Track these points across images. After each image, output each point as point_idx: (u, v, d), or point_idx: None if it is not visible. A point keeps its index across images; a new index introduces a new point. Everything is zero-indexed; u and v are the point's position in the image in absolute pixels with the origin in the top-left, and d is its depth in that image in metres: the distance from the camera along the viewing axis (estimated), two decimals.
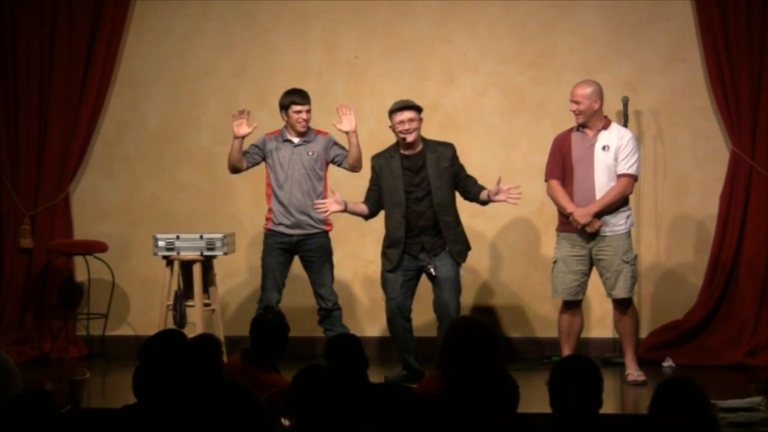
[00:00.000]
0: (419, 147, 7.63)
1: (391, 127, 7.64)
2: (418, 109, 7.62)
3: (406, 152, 7.62)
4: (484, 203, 7.74)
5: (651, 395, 4.09)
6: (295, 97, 7.86)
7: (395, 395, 4.58)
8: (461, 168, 7.72)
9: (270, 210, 7.91)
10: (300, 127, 7.85)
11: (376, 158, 7.74)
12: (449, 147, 7.69)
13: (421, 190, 7.59)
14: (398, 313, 7.64)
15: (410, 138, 7.56)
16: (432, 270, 7.58)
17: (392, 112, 7.60)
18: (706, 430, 3.98)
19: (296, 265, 8.05)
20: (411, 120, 7.55)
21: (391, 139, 7.79)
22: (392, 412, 4.15)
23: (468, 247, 7.77)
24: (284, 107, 7.87)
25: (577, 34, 8.75)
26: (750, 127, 8.45)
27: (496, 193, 7.57)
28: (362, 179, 8.01)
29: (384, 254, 7.70)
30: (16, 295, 8.99)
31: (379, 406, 4.19)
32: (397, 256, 7.60)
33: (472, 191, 7.70)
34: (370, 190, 7.76)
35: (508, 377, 5.00)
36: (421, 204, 7.59)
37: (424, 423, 4.20)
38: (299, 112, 7.83)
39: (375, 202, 7.71)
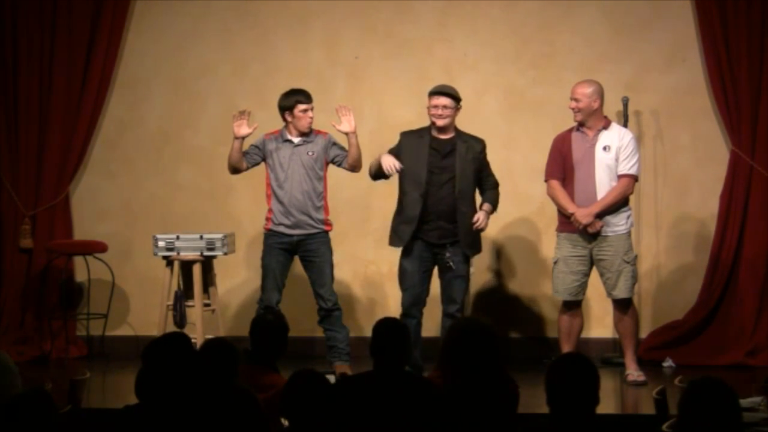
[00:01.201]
0: (451, 134, 7.63)
1: (427, 107, 7.64)
2: (455, 98, 7.63)
3: (438, 135, 7.61)
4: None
5: (681, 395, 4.06)
6: (300, 96, 7.84)
7: (424, 387, 4.60)
8: (486, 165, 7.72)
9: (270, 210, 7.90)
10: (307, 127, 7.83)
11: (406, 134, 7.72)
12: (480, 141, 7.70)
13: (445, 175, 7.56)
14: (415, 304, 7.59)
15: (440, 122, 7.57)
16: (451, 263, 7.53)
17: (430, 95, 7.64)
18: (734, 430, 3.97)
19: (296, 265, 8.05)
20: (445, 107, 7.56)
21: (390, 138, 7.79)
22: (418, 403, 4.15)
23: (480, 243, 7.75)
24: (288, 108, 7.84)
25: (577, 34, 8.75)
26: (750, 127, 8.46)
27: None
28: (363, 180, 8.01)
29: (394, 230, 7.64)
30: (16, 295, 8.99)
31: (409, 396, 4.19)
32: (409, 235, 7.54)
33: (483, 193, 7.72)
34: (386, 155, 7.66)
35: (508, 377, 4.99)
36: (442, 189, 7.55)
37: (442, 418, 4.21)
38: (306, 111, 7.82)
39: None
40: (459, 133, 7.66)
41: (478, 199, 7.73)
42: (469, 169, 7.60)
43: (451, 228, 7.56)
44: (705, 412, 3.94)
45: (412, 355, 5.38)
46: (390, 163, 7.49)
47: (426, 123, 7.69)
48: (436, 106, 7.58)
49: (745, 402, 6.29)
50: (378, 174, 7.66)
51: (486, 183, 7.72)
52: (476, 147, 7.66)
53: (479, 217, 7.58)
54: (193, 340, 7.93)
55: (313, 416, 4.21)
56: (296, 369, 4.50)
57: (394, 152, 7.62)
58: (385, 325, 5.36)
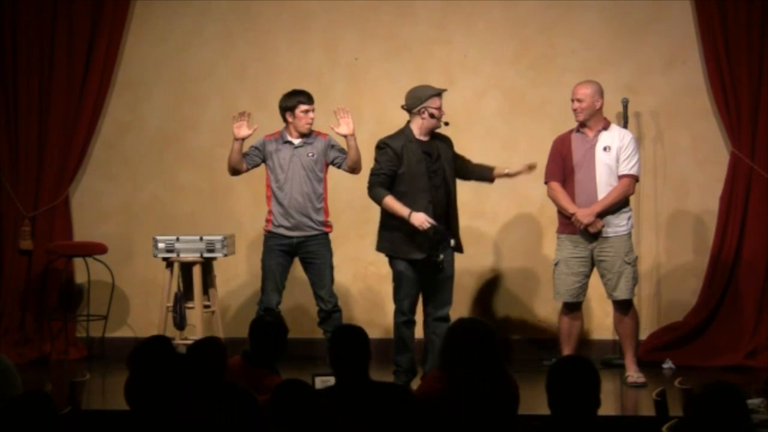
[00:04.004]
0: (429, 136, 7.50)
1: (419, 110, 7.38)
2: None
3: (424, 138, 7.46)
4: (492, 181, 7.67)
5: (694, 398, 4.09)
6: (302, 97, 7.84)
7: (394, 394, 4.58)
8: (459, 155, 7.63)
9: (270, 212, 7.90)
10: (308, 128, 7.83)
11: (393, 140, 7.44)
12: (448, 138, 7.59)
13: (438, 178, 7.43)
14: (413, 309, 7.46)
15: (443, 121, 7.46)
16: (444, 265, 7.39)
17: (433, 96, 7.40)
18: None
19: (296, 267, 8.05)
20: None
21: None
22: (390, 411, 4.14)
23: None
24: (290, 108, 7.83)
25: (576, 35, 8.75)
26: (750, 129, 8.46)
27: (517, 173, 7.56)
28: (363, 181, 8.01)
29: (405, 242, 7.35)
30: (16, 296, 8.98)
31: (377, 404, 4.18)
32: (428, 243, 7.32)
33: (477, 170, 7.63)
34: (384, 175, 7.39)
35: (508, 378, 4.99)
36: (438, 192, 7.41)
37: (420, 423, 4.19)
38: (307, 111, 7.82)
39: (390, 188, 7.43)
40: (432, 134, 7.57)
41: (463, 205, 7.65)
42: (452, 170, 7.54)
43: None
44: (715, 416, 3.95)
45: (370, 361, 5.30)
46: (423, 221, 7.25)
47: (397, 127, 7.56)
48: (440, 107, 7.42)
49: None
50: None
51: (468, 161, 7.63)
52: (450, 144, 7.57)
53: (514, 169, 7.55)
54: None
55: (299, 427, 4.18)
56: (297, 371, 4.49)
57: (392, 161, 7.39)
58: (343, 331, 5.33)
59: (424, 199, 7.37)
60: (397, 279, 7.47)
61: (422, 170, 7.40)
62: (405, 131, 7.49)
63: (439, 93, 7.45)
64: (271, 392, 5.14)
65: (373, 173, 7.47)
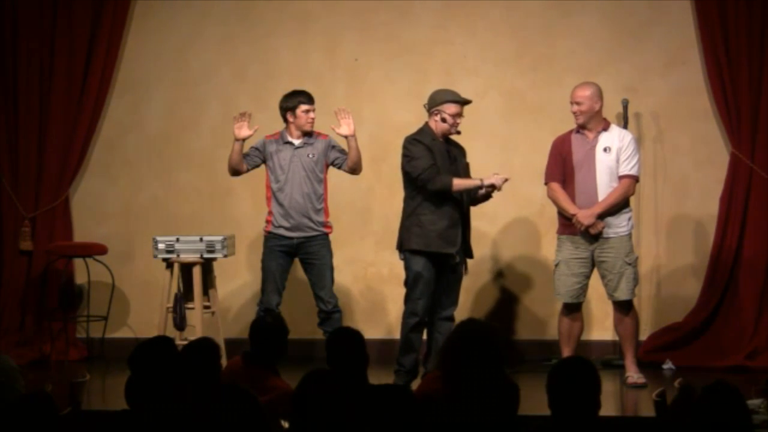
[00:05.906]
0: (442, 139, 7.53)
1: (433, 112, 7.43)
2: None
3: (440, 139, 7.47)
4: (486, 197, 7.56)
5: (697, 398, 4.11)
6: (302, 97, 7.85)
7: (393, 395, 4.57)
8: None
9: (270, 212, 7.90)
10: (309, 127, 7.83)
11: (421, 136, 7.44)
12: (462, 147, 7.61)
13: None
14: (427, 311, 7.46)
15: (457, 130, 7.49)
16: (459, 265, 7.42)
17: (451, 102, 7.43)
18: None
19: (296, 268, 8.05)
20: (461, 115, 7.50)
21: (390, 140, 7.76)
22: (390, 412, 4.14)
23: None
24: (290, 108, 7.84)
25: (576, 36, 8.76)
26: (750, 130, 8.46)
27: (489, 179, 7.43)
28: (363, 182, 8.00)
29: (440, 236, 7.34)
30: (16, 297, 8.98)
31: (377, 406, 4.18)
32: (460, 236, 7.37)
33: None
34: (434, 165, 7.35)
35: (508, 379, 4.99)
36: (458, 193, 7.44)
37: (421, 423, 4.19)
38: (308, 111, 7.82)
39: None
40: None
41: None
42: (467, 175, 7.57)
43: (460, 232, 7.49)
44: (716, 417, 3.96)
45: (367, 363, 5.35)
46: (499, 177, 7.33)
47: (417, 126, 7.58)
48: (459, 114, 7.43)
49: None
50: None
51: None
52: (462, 151, 7.59)
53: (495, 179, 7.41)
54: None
55: (325, 416, 4.19)
56: (297, 372, 4.48)
57: (428, 154, 7.36)
58: (339, 334, 5.36)
59: (452, 196, 7.37)
60: (415, 279, 7.43)
61: (447, 167, 7.41)
62: (425, 129, 7.51)
63: (457, 101, 7.44)
64: (271, 393, 5.17)
65: (424, 168, 7.35)
